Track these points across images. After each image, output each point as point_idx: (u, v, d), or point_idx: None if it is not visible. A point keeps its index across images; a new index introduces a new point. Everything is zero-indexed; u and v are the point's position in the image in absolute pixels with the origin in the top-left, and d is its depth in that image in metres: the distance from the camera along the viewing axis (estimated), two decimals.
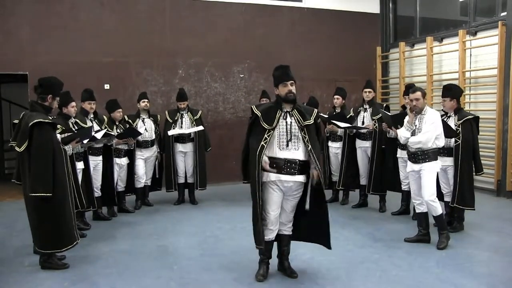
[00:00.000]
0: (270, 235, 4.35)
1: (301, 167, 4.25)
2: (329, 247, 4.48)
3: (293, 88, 4.28)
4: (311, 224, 4.50)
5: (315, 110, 4.45)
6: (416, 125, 5.26)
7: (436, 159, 5.21)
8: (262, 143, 4.19)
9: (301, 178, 4.28)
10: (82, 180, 5.92)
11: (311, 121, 4.31)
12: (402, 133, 5.33)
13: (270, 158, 4.22)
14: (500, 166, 8.01)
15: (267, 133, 4.22)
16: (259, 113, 4.31)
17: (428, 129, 5.12)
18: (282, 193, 4.30)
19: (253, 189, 4.26)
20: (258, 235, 4.27)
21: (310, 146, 4.21)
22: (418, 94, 5.22)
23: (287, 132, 4.24)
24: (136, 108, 7.57)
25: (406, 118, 5.35)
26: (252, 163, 4.24)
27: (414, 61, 10.18)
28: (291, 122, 4.26)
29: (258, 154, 4.17)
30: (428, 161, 5.16)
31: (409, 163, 5.36)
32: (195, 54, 9.45)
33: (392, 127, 5.81)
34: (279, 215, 4.35)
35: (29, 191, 4.51)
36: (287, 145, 4.23)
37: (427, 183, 5.18)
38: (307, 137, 4.23)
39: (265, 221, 4.33)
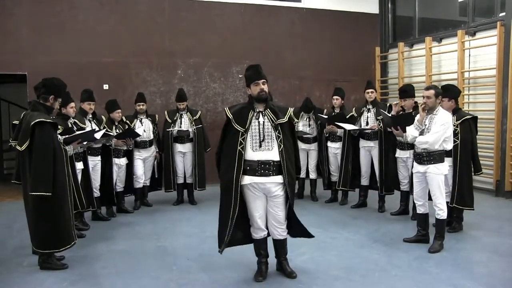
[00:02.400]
0: (261, 233, 4.36)
1: (277, 167, 4.19)
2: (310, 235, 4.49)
3: (265, 87, 4.23)
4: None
5: (290, 109, 4.41)
6: (426, 125, 5.17)
7: (442, 161, 5.13)
8: (239, 148, 4.15)
9: (277, 178, 4.21)
10: (82, 181, 5.92)
11: (285, 119, 4.27)
12: (410, 132, 5.24)
13: (244, 160, 4.17)
14: (499, 166, 8.03)
15: (241, 137, 4.17)
16: (231, 116, 4.26)
17: (437, 130, 5.03)
18: (262, 194, 4.26)
19: (226, 193, 4.27)
20: (222, 237, 4.33)
21: (282, 146, 4.16)
22: (431, 92, 5.11)
23: (259, 132, 4.19)
24: (135, 109, 7.56)
25: (417, 117, 5.27)
26: (229, 169, 4.19)
27: (413, 61, 10.19)
28: (263, 122, 4.21)
29: (238, 161, 4.13)
30: (433, 163, 5.09)
31: (414, 163, 5.32)
32: (194, 55, 9.46)
33: (392, 128, 5.78)
34: (267, 217, 4.33)
35: (30, 190, 4.52)
36: (260, 146, 4.18)
37: (436, 188, 5.11)
38: (281, 136, 4.19)
39: (251, 222, 4.36)
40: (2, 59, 8.22)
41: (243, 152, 4.15)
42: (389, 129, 6.39)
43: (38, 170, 4.49)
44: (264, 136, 4.18)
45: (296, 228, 4.46)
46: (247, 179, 4.19)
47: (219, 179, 4.60)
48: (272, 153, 4.18)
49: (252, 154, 4.18)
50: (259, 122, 4.21)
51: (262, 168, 4.17)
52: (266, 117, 4.24)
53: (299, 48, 10.15)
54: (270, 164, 4.17)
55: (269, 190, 4.24)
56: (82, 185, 5.90)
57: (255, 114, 4.25)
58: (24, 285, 4.43)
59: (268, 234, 4.43)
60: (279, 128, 4.21)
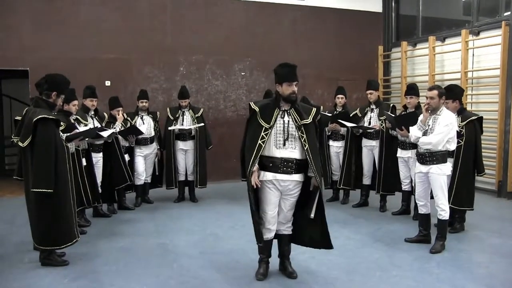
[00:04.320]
0: (268, 234, 4.33)
1: (298, 166, 4.21)
2: (331, 246, 4.43)
3: (296, 89, 4.24)
4: (311, 228, 4.43)
5: (314, 109, 4.40)
6: (429, 125, 5.13)
7: (445, 161, 5.10)
8: (260, 142, 4.14)
9: (297, 177, 4.24)
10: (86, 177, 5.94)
11: (309, 120, 4.26)
12: (414, 132, 5.22)
13: (266, 157, 4.18)
14: (501, 167, 7.99)
15: (264, 132, 4.17)
16: (257, 109, 4.25)
17: (441, 131, 5.00)
18: (279, 193, 4.26)
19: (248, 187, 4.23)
20: (258, 232, 4.26)
21: (307, 145, 4.16)
22: (434, 92, 5.07)
23: (284, 131, 4.19)
24: (136, 105, 7.55)
25: (420, 117, 5.23)
26: (247, 162, 4.18)
27: (416, 60, 10.15)
28: (288, 121, 4.21)
29: (255, 153, 4.12)
30: (436, 164, 5.07)
31: (417, 164, 5.30)
32: (197, 52, 9.44)
33: (397, 129, 5.75)
34: (277, 214, 4.32)
35: (31, 187, 4.51)
36: (284, 144, 4.19)
37: (438, 189, 5.09)
38: (304, 136, 4.19)
39: (262, 221, 4.31)
40: (4, 55, 8.20)
41: (262, 146, 4.13)
42: (394, 133, 6.36)
43: (40, 167, 4.48)
44: (288, 135, 4.19)
45: (317, 236, 4.43)
46: (269, 176, 4.19)
47: (242, 177, 4.60)
48: (295, 152, 4.20)
49: (276, 151, 4.19)
50: (284, 121, 4.21)
51: (285, 166, 4.17)
52: (291, 116, 4.23)
53: (301, 46, 10.11)
54: (292, 162, 4.18)
55: (287, 188, 4.24)
56: (88, 181, 5.94)
57: (280, 113, 4.24)
58: (25, 281, 4.43)
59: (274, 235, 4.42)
60: (303, 128, 4.21)
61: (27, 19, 8.35)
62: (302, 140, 4.17)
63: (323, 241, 4.43)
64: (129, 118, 7.28)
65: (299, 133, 4.19)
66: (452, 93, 5.64)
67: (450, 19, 9.70)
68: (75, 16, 8.64)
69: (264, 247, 4.38)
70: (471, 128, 5.72)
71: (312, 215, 4.31)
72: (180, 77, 9.38)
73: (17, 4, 8.28)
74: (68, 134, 5.07)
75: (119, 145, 6.74)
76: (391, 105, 7.36)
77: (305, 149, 4.16)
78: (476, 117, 5.82)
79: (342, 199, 7.63)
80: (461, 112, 5.76)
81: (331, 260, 4.91)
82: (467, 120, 5.70)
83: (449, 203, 5.66)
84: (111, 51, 8.84)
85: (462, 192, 5.73)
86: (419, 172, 5.26)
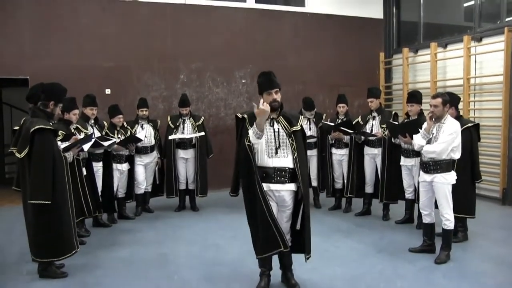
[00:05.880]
0: None
1: (291, 175, 4.15)
2: (309, 253, 4.26)
3: (277, 96, 4.15)
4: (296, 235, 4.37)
5: (301, 117, 4.37)
6: (433, 134, 5.07)
7: (449, 170, 5.03)
8: (247, 143, 4.02)
9: (292, 186, 4.17)
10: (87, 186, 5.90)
11: (298, 127, 4.22)
12: (417, 140, 5.14)
13: (259, 167, 4.09)
14: (506, 174, 7.91)
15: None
16: (245, 115, 4.19)
17: (445, 139, 4.94)
18: (275, 203, 4.19)
19: (249, 194, 4.13)
20: (266, 243, 4.13)
21: (296, 153, 4.11)
22: (438, 100, 5.00)
23: (275, 139, 4.14)
24: (136, 114, 7.49)
25: (424, 125, 5.16)
26: (246, 170, 4.09)
27: (417, 67, 10.10)
28: (278, 129, 4.16)
29: (251, 157, 4.02)
30: (440, 172, 5.00)
31: (421, 172, 5.23)
32: (197, 59, 9.39)
33: (400, 136, 5.66)
34: None
35: (29, 198, 4.45)
36: (276, 153, 4.13)
37: (443, 198, 5.02)
38: (294, 144, 4.14)
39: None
40: (3, 63, 8.16)
41: (250, 145, 4.02)
42: (396, 141, 6.29)
43: (37, 178, 4.42)
44: (279, 143, 4.13)
45: (299, 243, 4.33)
46: (263, 186, 4.10)
47: (231, 192, 4.49)
48: (287, 160, 4.14)
49: (268, 160, 4.12)
50: (274, 129, 4.15)
51: (278, 175, 4.12)
52: (280, 124, 4.18)
53: (302, 53, 10.07)
54: (285, 171, 4.13)
55: (283, 199, 4.17)
56: (89, 191, 5.90)
57: (269, 121, 4.18)
58: None
59: None
60: (292, 136, 4.16)
61: (26, 27, 8.32)
62: (292, 148, 4.13)
63: (302, 247, 4.28)
64: (129, 127, 7.22)
65: (290, 140, 4.15)
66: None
67: (451, 25, 9.65)
68: (75, 24, 8.60)
69: (264, 260, 4.29)
70: (467, 135, 5.64)
71: (298, 227, 4.25)
72: (180, 84, 9.34)
73: (16, 12, 8.25)
74: (65, 145, 5.00)
75: (110, 167, 6.68)
76: (393, 112, 7.28)
77: (294, 157, 4.11)
78: (472, 124, 5.77)
79: (344, 207, 7.55)
80: (457, 119, 5.69)
81: (334, 271, 4.83)
82: (463, 128, 5.63)
83: None
84: (111, 59, 8.80)
85: (462, 199, 5.62)
86: (423, 181, 5.18)
